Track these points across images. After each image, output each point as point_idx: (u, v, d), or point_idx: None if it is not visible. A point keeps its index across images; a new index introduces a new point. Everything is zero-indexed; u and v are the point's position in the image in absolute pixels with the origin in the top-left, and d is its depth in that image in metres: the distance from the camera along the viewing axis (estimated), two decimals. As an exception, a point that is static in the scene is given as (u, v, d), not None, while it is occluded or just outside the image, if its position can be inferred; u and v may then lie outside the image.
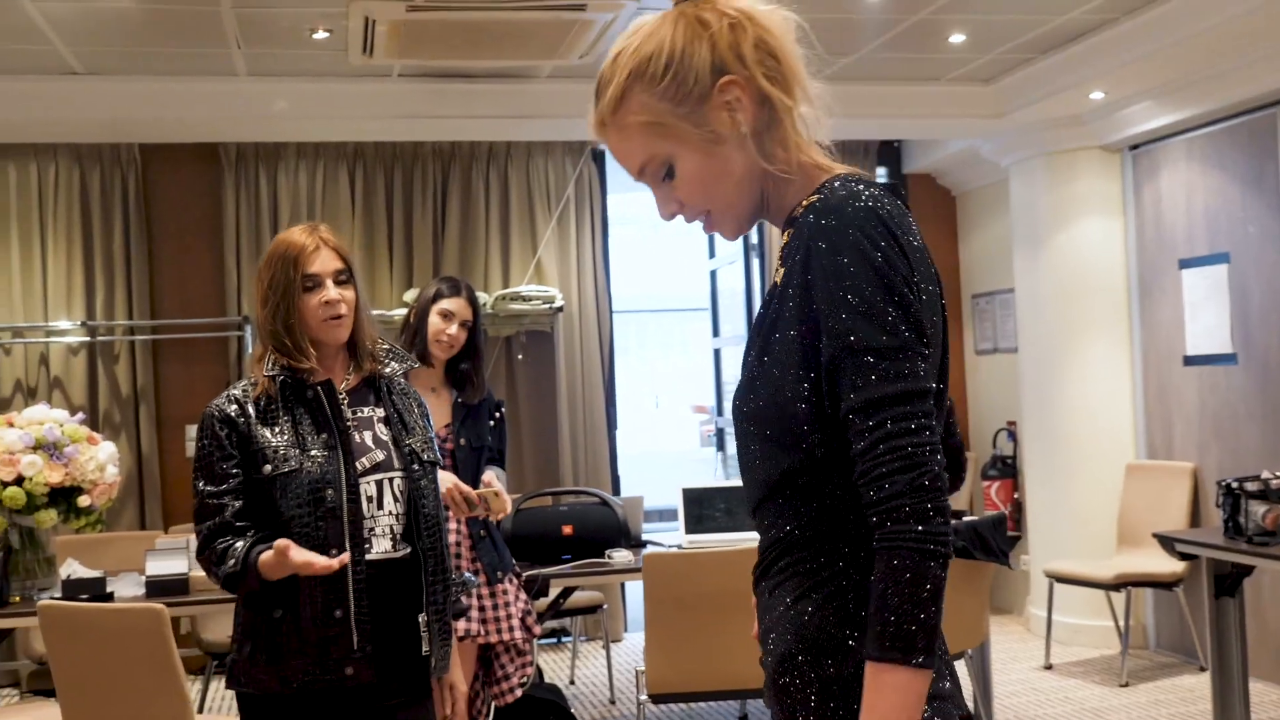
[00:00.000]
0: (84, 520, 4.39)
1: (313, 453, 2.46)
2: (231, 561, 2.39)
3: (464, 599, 2.85)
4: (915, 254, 1.46)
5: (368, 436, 2.55)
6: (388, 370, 2.64)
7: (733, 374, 8.31)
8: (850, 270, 1.40)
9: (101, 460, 4.39)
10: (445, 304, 3.76)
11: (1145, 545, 5.73)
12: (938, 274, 1.53)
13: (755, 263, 7.65)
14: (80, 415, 4.57)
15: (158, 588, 4.15)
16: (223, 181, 6.74)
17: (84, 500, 4.32)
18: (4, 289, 6.46)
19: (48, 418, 4.36)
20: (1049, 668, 6.06)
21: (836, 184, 1.48)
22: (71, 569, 4.26)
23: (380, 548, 2.50)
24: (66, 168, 6.53)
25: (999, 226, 7.33)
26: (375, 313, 6.43)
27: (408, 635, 2.52)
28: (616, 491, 7.18)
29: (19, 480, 4.20)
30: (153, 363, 6.67)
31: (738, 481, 5.06)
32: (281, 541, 2.33)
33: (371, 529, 2.50)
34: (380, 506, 2.52)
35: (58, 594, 4.10)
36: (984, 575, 4.57)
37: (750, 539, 4.50)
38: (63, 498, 4.31)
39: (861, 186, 1.48)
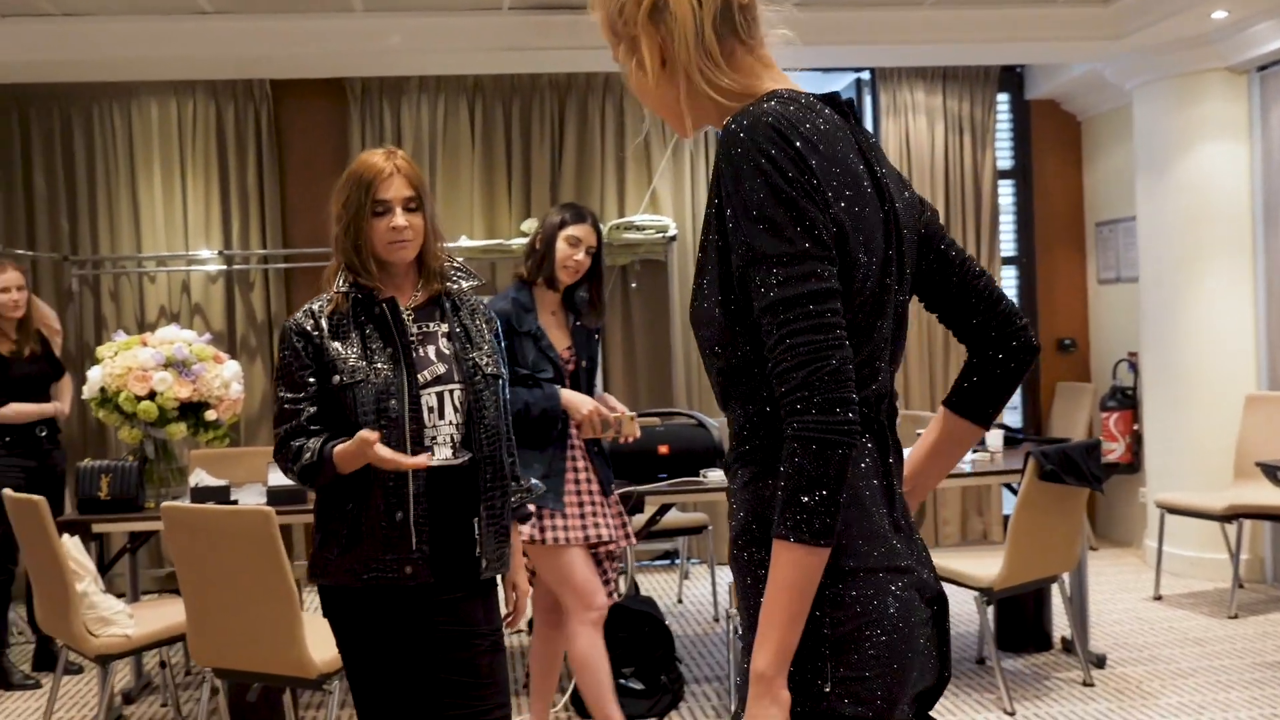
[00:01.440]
0: (211, 434, 4.71)
1: (378, 365, 2.62)
2: (308, 455, 2.58)
3: (529, 506, 3.01)
4: (822, 158, 1.51)
5: (431, 351, 2.70)
6: (454, 288, 2.78)
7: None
8: (745, 184, 1.48)
9: (226, 378, 4.68)
10: (572, 230, 3.84)
11: (1261, 477, 5.62)
12: (876, 171, 1.59)
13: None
14: (207, 336, 4.88)
15: (278, 497, 4.42)
16: (349, 115, 7.00)
17: (210, 415, 4.64)
18: (148, 220, 6.85)
19: (178, 338, 4.68)
20: (1158, 598, 6.02)
21: (750, 105, 1.55)
22: (200, 478, 4.58)
23: (441, 455, 2.66)
24: (203, 104, 6.87)
25: (1123, 153, 7.17)
26: (493, 241, 6.70)
27: (465, 537, 2.69)
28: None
29: (151, 395, 4.52)
30: (285, 289, 7.01)
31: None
32: (368, 432, 2.51)
33: (433, 438, 2.66)
34: (441, 416, 2.67)
35: (187, 501, 4.41)
36: (1076, 500, 4.57)
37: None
38: (191, 412, 4.63)
39: (770, 103, 1.54)
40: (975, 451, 5.16)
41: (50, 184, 6.79)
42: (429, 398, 2.66)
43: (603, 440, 3.94)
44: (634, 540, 4.03)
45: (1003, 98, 7.68)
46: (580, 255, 3.84)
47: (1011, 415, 7.79)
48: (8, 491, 4.19)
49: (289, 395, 2.63)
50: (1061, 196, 7.79)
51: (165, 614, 4.22)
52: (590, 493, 3.84)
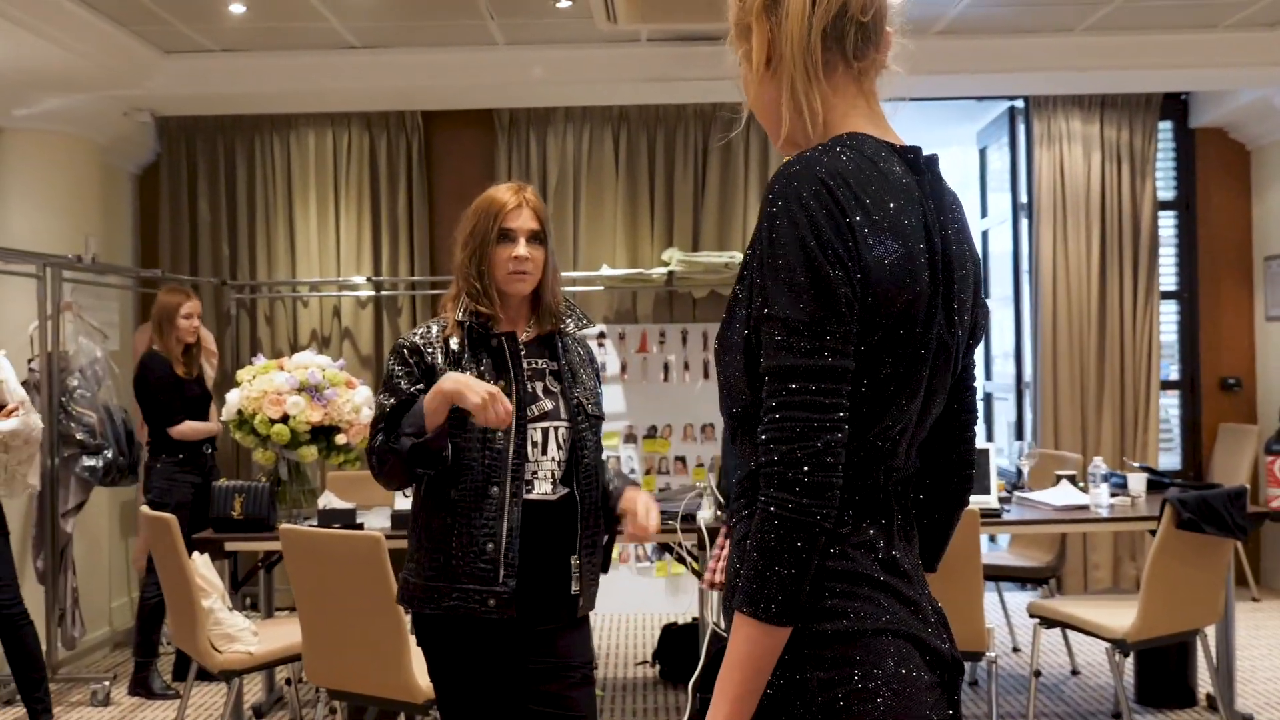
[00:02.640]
0: (341, 457, 4.83)
1: None
2: (410, 429, 2.56)
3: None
4: (869, 216, 1.44)
5: (539, 387, 2.72)
6: (566, 328, 2.80)
7: (1002, 335, 8.09)
8: (777, 237, 1.43)
9: (357, 403, 4.81)
10: None
11: None
12: (936, 240, 1.50)
13: (1024, 223, 7.40)
14: (341, 361, 5.01)
15: (403, 520, 4.51)
16: (496, 145, 7.14)
17: (341, 438, 4.76)
18: (303, 247, 7.11)
19: (312, 363, 4.82)
20: (1319, 656, 5.66)
21: (815, 149, 1.49)
22: (328, 500, 4.70)
23: (541, 490, 2.68)
24: (358, 134, 7.10)
25: (1294, 183, 6.80)
26: (635, 270, 6.74)
27: (559, 573, 2.70)
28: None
29: (285, 418, 4.67)
30: (431, 315, 7.13)
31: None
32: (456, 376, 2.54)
33: (535, 472, 2.67)
34: (544, 452, 2.69)
35: (315, 523, 4.54)
36: (1219, 550, 4.33)
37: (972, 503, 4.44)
38: (323, 435, 4.76)
39: (826, 152, 1.48)
40: (1115, 496, 4.94)
41: (213, 211, 7.11)
42: (534, 433, 2.68)
43: None
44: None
45: (1165, 125, 7.37)
46: None
47: (1168, 457, 7.45)
48: (144, 509, 4.38)
49: (390, 401, 2.65)
50: (1228, 228, 7.43)
51: (289, 633, 4.34)
52: None
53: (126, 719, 5.07)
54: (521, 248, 2.69)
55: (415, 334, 2.73)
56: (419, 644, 2.76)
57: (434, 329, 2.73)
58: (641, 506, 2.74)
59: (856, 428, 1.45)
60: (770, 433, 1.41)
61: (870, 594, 1.47)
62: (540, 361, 2.76)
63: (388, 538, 3.70)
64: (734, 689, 1.41)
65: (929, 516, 1.66)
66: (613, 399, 6.90)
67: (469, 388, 2.52)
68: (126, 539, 6.77)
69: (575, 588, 2.71)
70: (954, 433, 1.66)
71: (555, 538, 2.70)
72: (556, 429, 2.71)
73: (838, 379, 1.41)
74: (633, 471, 6.89)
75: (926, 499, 1.66)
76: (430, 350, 2.69)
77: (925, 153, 1.58)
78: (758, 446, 1.43)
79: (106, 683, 5.35)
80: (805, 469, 1.38)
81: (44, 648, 5.46)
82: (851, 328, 1.42)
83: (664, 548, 5.44)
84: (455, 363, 2.67)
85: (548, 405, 2.72)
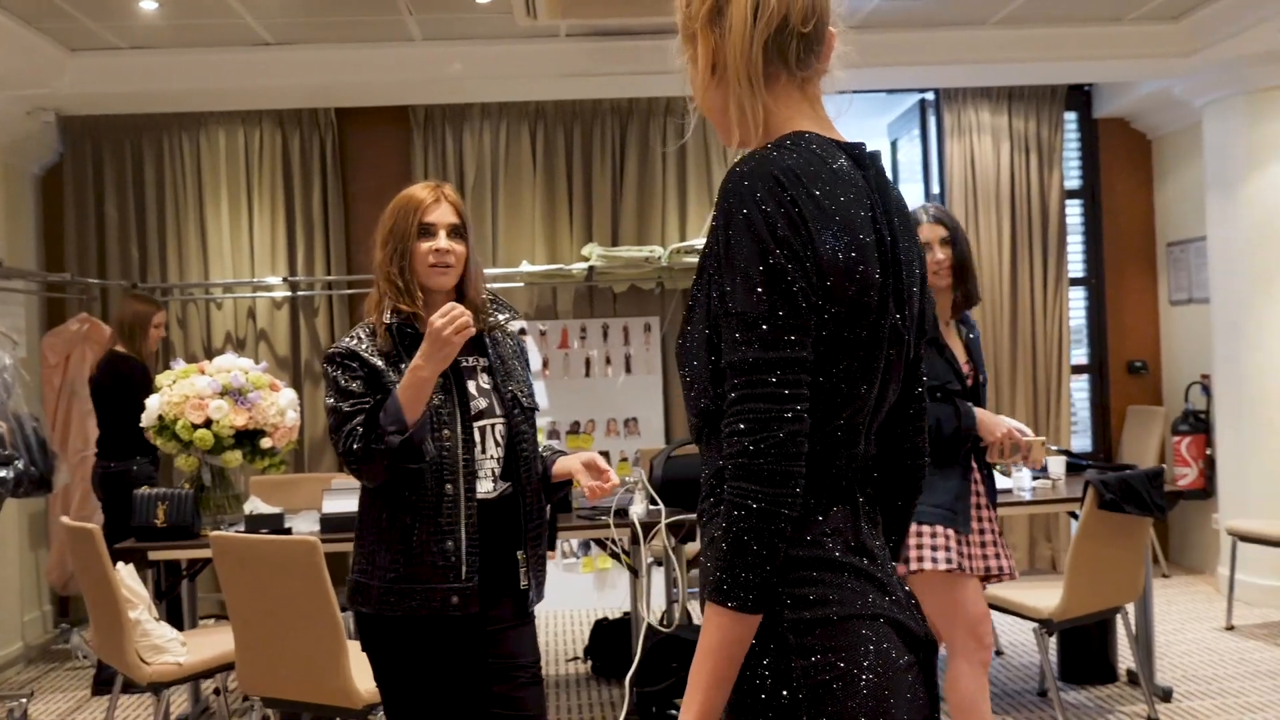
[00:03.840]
0: (267, 461, 4.75)
1: (431, 396, 2.62)
2: (394, 428, 2.51)
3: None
4: (821, 211, 1.47)
5: (472, 385, 2.71)
6: (493, 320, 2.79)
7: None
8: (733, 234, 1.45)
9: (282, 405, 4.73)
10: (920, 234, 3.54)
11: (1338, 505, 5.45)
12: (885, 234, 1.54)
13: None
14: (264, 364, 4.93)
15: (331, 524, 4.44)
16: (412, 143, 7.07)
17: (266, 442, 4.68)
18: (215, 248, 6.97)
19: (234, 366, 4.73)
20: (1230, 629, 5.84)
21: (765, 147, 1.52)
22: (255, 505, 4.63)
23: (484, 488, 2.67)
24: (270, 133, 6.98)
25: (1194, 172, 7.00)
26: (554, 266, 6.72)
27: (508, 568, 2.69)
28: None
29: (208, 423, 4.58)
30: (349, 316, 7.08)
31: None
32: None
33: (476, 472, 2.66)
34: (484, 450, 2.69)
35: (241, 528, 4.46)
36: (1139, 529, 4.45)
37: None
38: (247, 440, 4.67)
39: (776, 151, 1.50)
40: (1036, 479, 5.05)
41: (121, 213, 6.93)
42: (475, 432, 2.67)
43: (1003, 465, 3.69)
44: (1015, 574, 3.73)
45: (1070, 117, 7.55)
46: (938, 255, 3.61)
47: (1080, 440, 7.63)
48: (64, 519, 4.26)
49: (342, 404, 2.61)
50: (1131, 216, 7.63)
51: (218, 642, 4.26)
52: (990, 519, 3.62)
53: (47, 735, 4.94)
54: (442, 240, 2.69)
55: (347, 340, 2.70)
56: (365, 648, 2.73)
57: (363, 334, 2.70)
58: (581, 463, 2.74)
59: (818, 418, 1.48)
60: (733, 425, 1.43)
61: (844, 580, 1.50)
62: (470, 359, 2.75)
63: (321, 541, 3.64)
64: (707, 678, 1.43)
65: (887, 503, 1.70)
66: (535, 395, 6.87)
67: (439, 346, 2.49)
68: (36, 551, 6.59)
69: (524, 582, 2.71)
70: (907, 420, 1.70)
71: (501, 534, 2.70)
72: (494, 426, 2.71)
73: (797, 369, 1.44)
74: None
75: (884, 485, 1.70)
76: (367, 352, 2.66)
77: (868, 149, 1.62)
78: (724, 437, 1.45)
79: (24, 700, 5.20)
80: (768, 459, 1.41)
81: (-43, 665, 5.30)
82: (808, 319, 1.45)
83: (595, 544, 5.45)
84: (391, 363, 2.65)
85: (482, 403, 2.71)
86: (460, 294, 2.76)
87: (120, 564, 4.14)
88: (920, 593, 3.51)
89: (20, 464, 5.32)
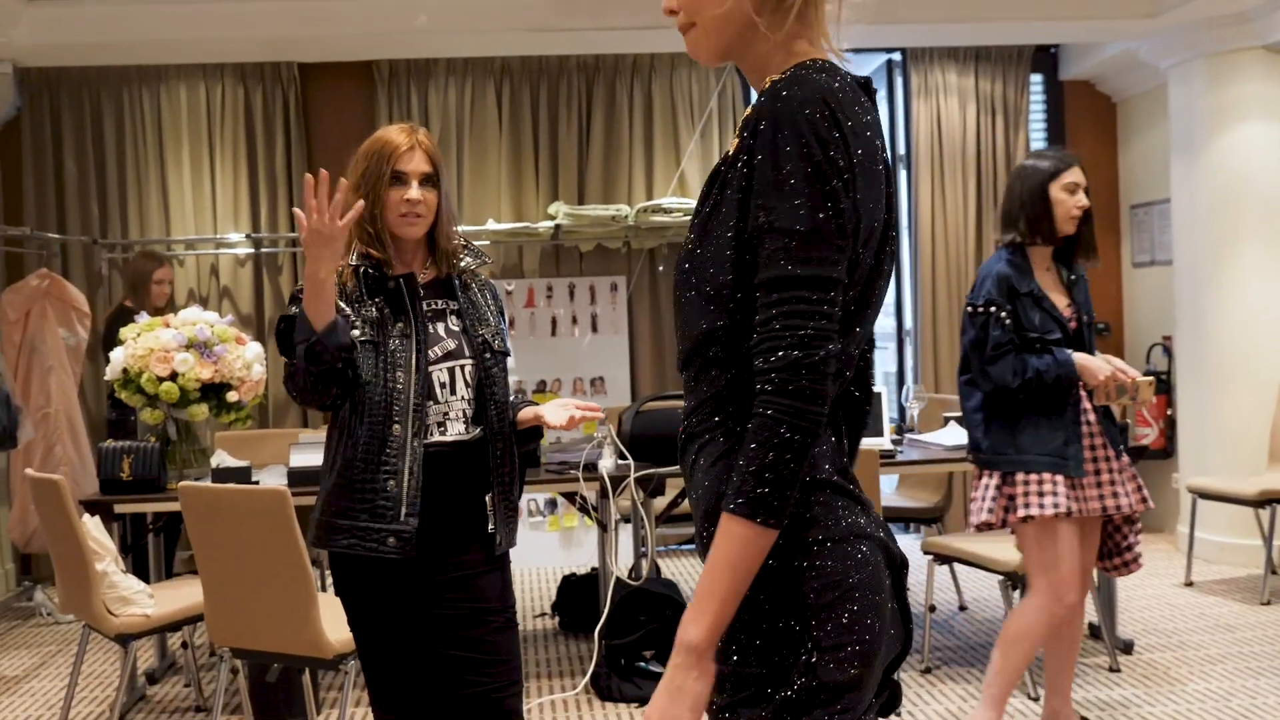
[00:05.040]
0: (233, 415, 4.71)
1: (390, 336, 2.62)
2: (301, 338, 2.50)
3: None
4: (859, 140, 1.48)
5: (440, 328, 2.70)
6: (463, 264, 2.77)
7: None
8: (785, 151, 1.45)
9: (249, 359, 4.69)
10: (1069, 178, 3.62)
11: (1295, 463, 5.54)
12: (886, 165, 1.56)
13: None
14: (230, 318, 4.88)
15: (298, 478, 4.41)
16: (376, 98, 7.00)
17: (232, 396, 4.64)
18: (177, 204, 6.88)
19: (200, 319, 4.68)
20: (1189, 585, 5.93)
21: (801, 69, 1.52)
22: (221, 459, 4.59)
23: (455, 430, 2.66)
24: (232, 87, 6.88)
25: (1158, 134, 7.05)
26: (520, 224, 6.69)
27: (476, 513, 2.69)
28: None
29: (173, 376, 4.53)
30: (313, 273, 7.00)
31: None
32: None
33: (446, 414, 2.65)
34: (453, 392, 2.67)
35: (209, 482, 4.42)
36: (1103, 485, 4.50)
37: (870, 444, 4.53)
38: (213, 393, 4.63)
39: (817, 74, 1.50)
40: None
41: (81, 167, 6.83)
42: (440, 373, 2.66)
43: (1112, 406, 3.70)
44: (1151, 504, 3.72)
45: (1036, 78, 7.57)
46: (1082, 199, 3.63)
47: (1043, 400, 7.70)
48: (28, 470, 4.22)
49: (299, 336, 2.58)
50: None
51: (186, 594, 4.23)
52: (1106, 458, 3.61)
53: (12, 690, 4.90)
54: (414, 190, 2.65)
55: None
56: (337, 590, 2.72)
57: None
58: (546, 407, 2.73)
59: None
60: (770, 341, 1.44)
61: (840, 501, 1.52)
62: (440, 302, 2.73)
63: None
64: (723, 590, 1.43)
65: (848, 436, 1.71)
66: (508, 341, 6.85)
67: (313, 248, 2.45)
68: (2, 509, 6.52)
69: (490, 525, 2.70)
70: (865, 355, 1.72)
71: (470, 477, 2.69)
72: (463, 367, 2.70)
73: (836, 290, 1.45)
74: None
75: (845, 417, 1.71)
76: (336, 290, 2.63)
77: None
78: (754, 353, 1.45)
79: (-13, 656, 5.16)
80: (808, 376, 1.42)
81: (-83, 622, 5.24)
82: (850, 241, 1.47)
83: (563, 498, 5.45)
84: (351, 303, 2.63)
85: (451, 345, 2.70)
86: (431, 241, 2.74)
87: (86, 516, 4.10)
88: (1024, 539, 3.60)
89: (-19, 419, 5.26)
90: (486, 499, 2.69)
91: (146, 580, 4.63)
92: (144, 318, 4.76)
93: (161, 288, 5.96)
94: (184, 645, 4.72)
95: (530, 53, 6.90)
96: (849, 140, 1.47)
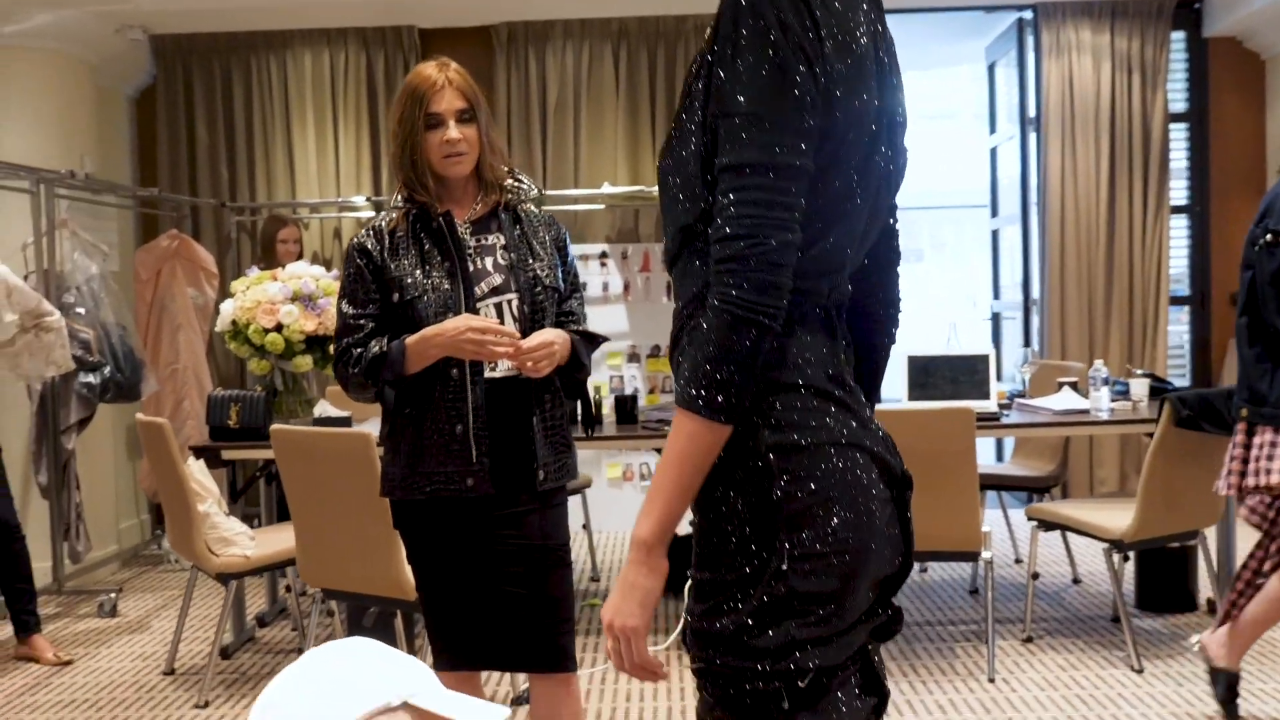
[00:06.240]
0: (337, 367, 4.81)
1: (436, 279, 2.63)
2: (375, 349, 2.60)
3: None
4: (834, 19, 1.42)
5: (488, 262, 2.69)
6: (513, 199, 2.75)
7: (1010, 254, 8.00)
8: (743, 35, 1.39)
9: (352, 313, 4.77)
10: None
11: None
12: (882, 56, 1.49)
13: (1032, 137, 7.30)
14: (335, 272, 4.98)
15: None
16: (495, 63, 7.06)
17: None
18: (302, 168, 7.06)
19: (305, 273, 4.80)
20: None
21: None
22: (324, 409, 4.70)
23: (504, 366, 2.65)
24: (354, 53, 7.02)
25: (1307, 91, 6.68)
26: (636, 188, 6.67)
27: (525, 450, 2.67)
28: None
29: (279, 328, 4.65)
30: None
31: (966, 350, 4.95)
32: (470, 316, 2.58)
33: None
34: None
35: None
36: (1219, 451, 4.27)
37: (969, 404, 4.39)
38: (317, 345, 4.75)
39: None
40: (1115, 400, 4.91)
41: (211, 134, 7.06)
42: (487, 309, 2.65)
43: None
44: None
45: (1177, 35, 7.23)
46: None
47: (1178, 374, 7.39)
48: (139, 415, 4.38)
49: (351, 310, 2.66)
50: (1240, 141, 7.31)
51: (287, 538, 4.35)
52: None
53: (132, 629, 5.12)
54: (452, 130, 2.63)
55: (365, 231, 2.71)
56: (396, 526, 2.76)
57: (381, 222, 2.70)
58: (535, 337, 2.63)
59: (804, 240, 1.43)
60: (723, 229, 1.39)
61: (825, 407, 1.46)
62: (490, 237, 2.71)
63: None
64: (670, 484, 1.41)
65: (864, 343, 1.65)
66: (615, 319, 6.87)
67: (459, 348, 2.54)
68: (134, 462, 6.80)
69: (541, 461, 2.68)
70: (884, 268, 1.67)
71: (521, 414, 2.68)
72: (510, 302, 2.68)
73: (795, 178, 1.39)
74: (635, 391, 6.87)
75: (862, 326, 1.66)
76: (377, 248, 2.66)
77: None
78: (711, 246, 1.41)
79: (113, 594, 5.39)
80: (756, 266, 1.37)
81: (50, 561, 5.51)
82: (812, 126, 1.40)
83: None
84: (400, 252, 2.65)
85: (497, 280, 2.68)
86: (478, 177, 2.73)
87: (191, 459, 4.24)
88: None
89: (107, 370, 5.48)
90: (533, 421, 2.67)
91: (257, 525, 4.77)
92: None
93: (288, 248, 6.09)
94: (288, 589, 4.86)
95: (648, 13, 6.88)
96: (819, 20, 1.40)
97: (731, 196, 1.38)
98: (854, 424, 1.48)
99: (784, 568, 1.41)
